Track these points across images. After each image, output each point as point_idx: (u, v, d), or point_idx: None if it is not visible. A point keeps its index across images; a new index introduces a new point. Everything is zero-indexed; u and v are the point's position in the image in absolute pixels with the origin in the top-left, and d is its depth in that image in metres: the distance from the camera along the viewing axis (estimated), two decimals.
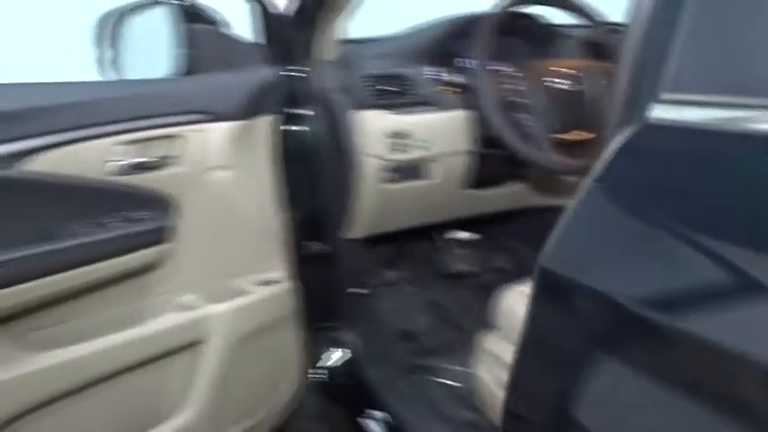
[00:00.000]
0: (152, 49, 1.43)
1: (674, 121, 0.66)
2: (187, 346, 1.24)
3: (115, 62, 1.44)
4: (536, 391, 0.79)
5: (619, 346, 0.67)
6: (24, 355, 1.03)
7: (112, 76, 1.43)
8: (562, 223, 0.72)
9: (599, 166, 0.71)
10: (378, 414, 1.52)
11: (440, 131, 1.51)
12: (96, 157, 1.12)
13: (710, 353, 0.58)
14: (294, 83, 1.42)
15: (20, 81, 1.15)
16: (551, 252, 0.72)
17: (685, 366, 0.61)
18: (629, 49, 0.71)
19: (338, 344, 1.61)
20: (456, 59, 1.54)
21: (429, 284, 1.88)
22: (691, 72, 0.66)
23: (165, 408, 1.23)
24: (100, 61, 1.41)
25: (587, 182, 0.71)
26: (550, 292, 0.74)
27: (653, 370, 0.64)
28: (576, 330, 0.71)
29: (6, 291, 0.97)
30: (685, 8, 0.66)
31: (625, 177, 0.70)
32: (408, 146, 1.47)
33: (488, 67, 1.45)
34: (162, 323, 1.21)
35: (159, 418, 1.22)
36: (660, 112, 0.66)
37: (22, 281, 0.98)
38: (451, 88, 1.53)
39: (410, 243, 1.86)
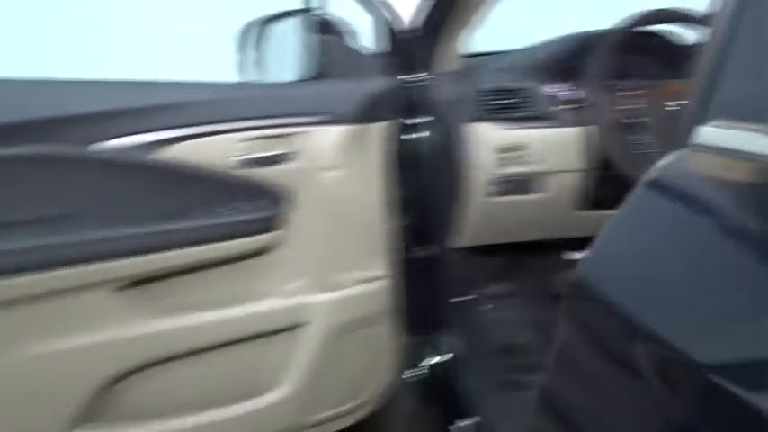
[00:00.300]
0: (287, 55, 1.56)
1: (718, 148, 0.64)
2: (287, 329, 1.34)
3: (255, 66, 1.59)
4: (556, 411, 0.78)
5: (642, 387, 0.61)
6: (142, 318, 1.17)
7: (252, 78, 1.58)
8: (598, 239, 0.72)
9: (635, 190, 0.70)
10: (469, 423, 1.53)
11: (554, 147, 1.50)
12: (222, 150, 1.25)
13: None
14: (413, 93, 1.49)
15: (168, 79, 1.32)
16: (585, 266, 0.72)
17: None
18: (694, 72, 0.70)
19: (437, 348, 1.64)
20: (576, 76, 1.53)
21: (537, 301, 1.85)
22: (741, 100, 0.64)
23: (262, 384, 1.34)
24: (242, 65, 1.57)
25: (625, 201, 0.71)
26: (577, 310, 0.73)
27: None
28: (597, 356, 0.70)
29: (133, 260, 1.12)
30: (739, 38, 0.64)
31: (658, 201, 0.69)
32: (519, 160, 1.48)
33: (607, 86, 1.42)
34: (266, 305, 1.31)
35: (254, 392, 1.32)
36: (707, 137, 0.65)
37: (145, 252, 1.13)
38: (569, 105, 1.52)
39: (521, 257, 1.85)
